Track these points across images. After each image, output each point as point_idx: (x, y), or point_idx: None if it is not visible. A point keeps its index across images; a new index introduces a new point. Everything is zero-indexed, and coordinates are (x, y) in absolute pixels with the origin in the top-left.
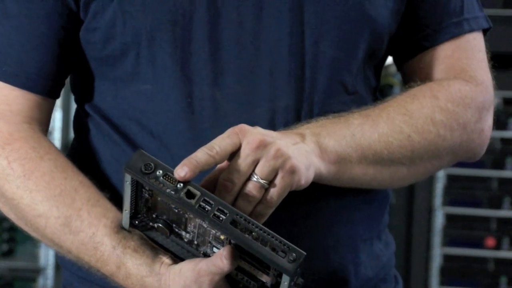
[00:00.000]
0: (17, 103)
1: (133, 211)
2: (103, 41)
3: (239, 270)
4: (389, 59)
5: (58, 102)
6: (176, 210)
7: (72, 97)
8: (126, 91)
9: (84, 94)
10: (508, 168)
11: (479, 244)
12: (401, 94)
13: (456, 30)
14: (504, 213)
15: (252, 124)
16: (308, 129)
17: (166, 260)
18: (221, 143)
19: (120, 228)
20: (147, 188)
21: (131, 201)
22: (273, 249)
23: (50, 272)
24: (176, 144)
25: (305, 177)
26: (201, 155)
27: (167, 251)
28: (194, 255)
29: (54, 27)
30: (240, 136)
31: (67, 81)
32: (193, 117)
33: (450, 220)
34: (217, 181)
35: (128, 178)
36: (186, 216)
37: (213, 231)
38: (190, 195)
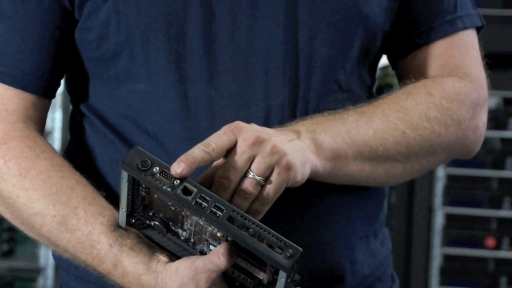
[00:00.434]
0: (12, 102)
1: (129, 209)
2: (98, 40)
3: (236, 268)
4: None
5: (58, 102)
6: (173, 208)
7: None
8: (121, 91)
9: (79, 94)
10: (508, 168)
11: (479, 244)
12: (395, 92)
13: (450, 28)
14: (504, 213)
15: (248, 122)
16: (304, 126)
17: (162, 258)
18: (217, 140)
19: (117, 226)
20: (143, 185)
21: (127, 199)
22: (270, 246)
23: (50, 272)
24: (172, 143)
25: (301, 173)
26: (198, 152)
27: (164, 249)
28: (190, 253)
29: (49, 27)
30: (236, 133)
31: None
32: (189, 116)
33: (450, 220)
34: (214, 178)
35: (124, 175)
36: (183, 213)
37: (210, 229)
38: (186, 191)
